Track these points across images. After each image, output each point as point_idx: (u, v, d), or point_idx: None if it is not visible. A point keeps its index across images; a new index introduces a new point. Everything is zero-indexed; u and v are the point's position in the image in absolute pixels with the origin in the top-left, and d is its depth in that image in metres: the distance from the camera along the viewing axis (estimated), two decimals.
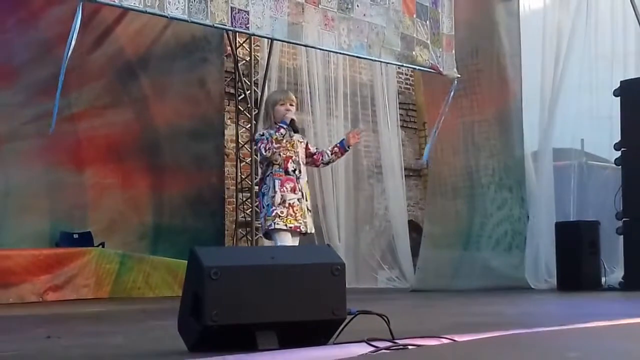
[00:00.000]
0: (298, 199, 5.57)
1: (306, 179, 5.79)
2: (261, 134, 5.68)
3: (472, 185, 10.45)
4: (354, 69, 12.26)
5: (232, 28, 7.17)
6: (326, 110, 11.92)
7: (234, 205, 11.78)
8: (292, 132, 5.67)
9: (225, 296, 3.25)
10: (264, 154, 5.56)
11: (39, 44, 9.56)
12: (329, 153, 5.92)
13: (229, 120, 11.81)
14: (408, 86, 13.80)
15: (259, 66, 11.69)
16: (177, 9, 6.54)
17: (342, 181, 11.92)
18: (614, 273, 9.81)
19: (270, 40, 10.56)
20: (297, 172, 5.64)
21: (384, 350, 3.16)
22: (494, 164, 10.32)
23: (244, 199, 11.77)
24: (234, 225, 11.65)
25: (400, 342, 3.30)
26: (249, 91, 11.60)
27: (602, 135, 10.72)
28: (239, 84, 11.53)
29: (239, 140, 11.82)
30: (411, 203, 13.37)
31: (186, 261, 3.49)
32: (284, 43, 10.00)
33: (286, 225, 5.49)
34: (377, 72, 12.13)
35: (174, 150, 10.80)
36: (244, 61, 11.59)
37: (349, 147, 5.97)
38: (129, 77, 10.60)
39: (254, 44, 11.55)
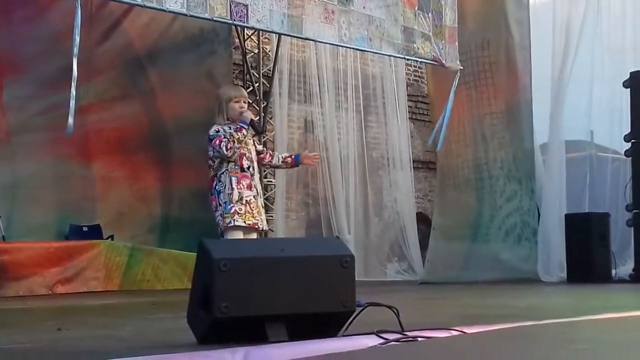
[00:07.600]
0: (254, 196, 5.53)
1: (259, 175, 5.78)
2: (216, 130, 5.57)
3: (482, 177, 10.42)
4: (363, 60, 12.21)
5: (230, 22, 7.10)
6: (335, 102, 11.89)
7: None
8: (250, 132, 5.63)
9: (235, 288, 3.25)
10: (225, 153, 5.44)
11: (47, 36, 9.54)
12: (281, 158, 5.89)
13: None
14: (417, 78, 13.74)
15: (268, 58, 11.64)
16: (175, 2, 6.45)
17: (352, 173, 11.90)
18: (625, 265, 9.78)
19: None
20: (251, 168, 5.59)
21: (393, 342, 3.16)
22: (503, 156, 10.29)
23: None
24: None
25: (409, 334, 3.30)
26: (257, 84, 11.55)
27: (612, 127, 10.70)
28: (247, 76, 11.47)
29: None
30: (420, 195, 13.34)
31: (195, 253, 3.50)
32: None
33: (245, 222, 5.44)
34: (386, 64, 12.09)
35: (182, 143, 10.75)
36: (253, 53, 11.54)
37: (300, 164, 6.05)
38: (137, 70, 10.58)
39: (262, 36, 11.49)
